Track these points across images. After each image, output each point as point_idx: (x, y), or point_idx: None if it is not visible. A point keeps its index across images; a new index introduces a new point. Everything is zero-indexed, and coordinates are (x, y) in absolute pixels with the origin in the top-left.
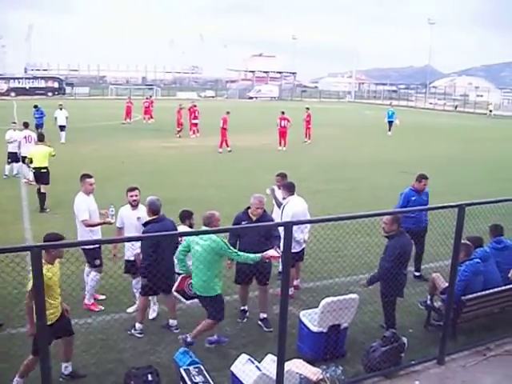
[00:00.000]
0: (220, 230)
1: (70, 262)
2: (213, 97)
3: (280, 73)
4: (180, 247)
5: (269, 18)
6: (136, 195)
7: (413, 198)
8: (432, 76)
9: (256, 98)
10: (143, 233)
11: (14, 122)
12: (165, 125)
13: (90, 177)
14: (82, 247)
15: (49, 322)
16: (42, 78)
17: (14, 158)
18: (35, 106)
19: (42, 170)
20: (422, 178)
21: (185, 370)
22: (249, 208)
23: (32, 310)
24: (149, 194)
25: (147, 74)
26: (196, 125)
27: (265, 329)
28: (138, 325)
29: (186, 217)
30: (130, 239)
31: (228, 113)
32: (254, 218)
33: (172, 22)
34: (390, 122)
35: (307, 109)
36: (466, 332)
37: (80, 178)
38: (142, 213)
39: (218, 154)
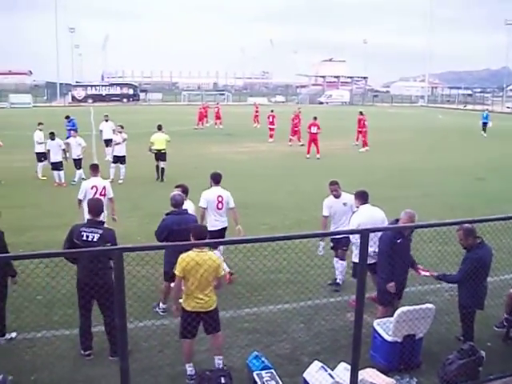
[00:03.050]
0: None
1: (149, 265)
2: (283, 102)
3: (351, 77)
4: None
5: (339, 23)
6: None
7: None
8: (510, 79)
9: (327, 103)
10: (162, 220)
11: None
12: (236, 130)
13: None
14: None
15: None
16: (118, 84)
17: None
18: (67, 117)
19: (162, 151)
20: None
21: (257, 374)
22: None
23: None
24: None
25: (218, 80)
26: (273, 130)
27: None
28: (161, 305)
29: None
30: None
31: (315, 118)
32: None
33: (243, 29)
34: (485, 124)
35: (361, 113)
36: None
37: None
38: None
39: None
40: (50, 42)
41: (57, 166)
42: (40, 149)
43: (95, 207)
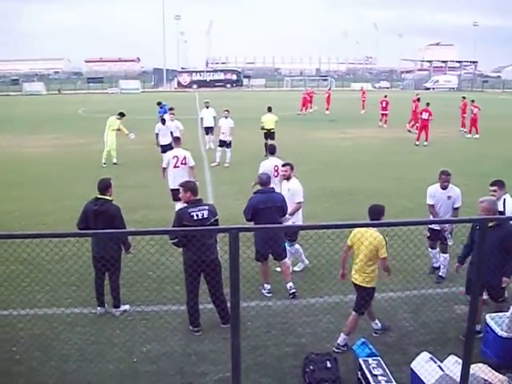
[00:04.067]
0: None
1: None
2: (387, 88)
3: (459, 62)
4: None
5: (447, 5)
6: (286, 170)
7: None
8: None
9: (433, 88)
10: (249, 200)
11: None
12: (339, 115)
13: None
14: None
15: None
16: (222, 70)
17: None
18: (158, 103)
19: (271, 131)
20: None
21: (364, 360)
22: None
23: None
24: (325, 184)
25: (321, 66)
26: (385, 115)
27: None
28: (266, 285)
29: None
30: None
31: (428, 104)
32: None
33: (345, 13)
34: None
35: (463, 98)
36: None
37: None
38: (292, 185)
39: (407, 145)
40: (156, 30)
41: (165, 149)
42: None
43: (195, 188)
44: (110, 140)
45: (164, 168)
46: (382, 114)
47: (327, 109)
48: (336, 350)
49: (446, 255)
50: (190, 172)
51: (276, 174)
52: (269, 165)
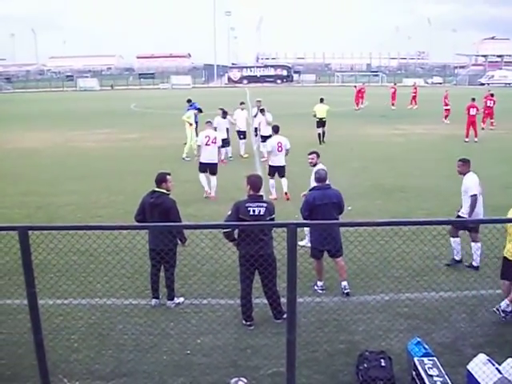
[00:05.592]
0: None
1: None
2: (440, 83)
3: None
4: None
5: None
6: (313, 158)
7: None
8: None
9: (488, 84)
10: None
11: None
12: (390, 111)
13: None
14: None
15: None
16: (272, 66)
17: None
18: (189, 101)
19: (323, 119)
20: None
21: (419, 360)
22: None
23: None
24: (376, 181)
25: (372, 61)
26: (448, 110)
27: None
28: (318, 282)
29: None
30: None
31: (473, 99)
32: None
33: (397, 7)
34: None
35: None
36: None
37: None
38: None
39: (464, 142)
40: (207, 26)
41: (222, 144)
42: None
43: (256, 183)
44: (188, 134)
45: (198, 146)
46: (446, 110)
47: (393, 104)
48: (502, 315)
49: (479, 243)
50: (218, 151)
51: (280, 149)
52: (274, 141)
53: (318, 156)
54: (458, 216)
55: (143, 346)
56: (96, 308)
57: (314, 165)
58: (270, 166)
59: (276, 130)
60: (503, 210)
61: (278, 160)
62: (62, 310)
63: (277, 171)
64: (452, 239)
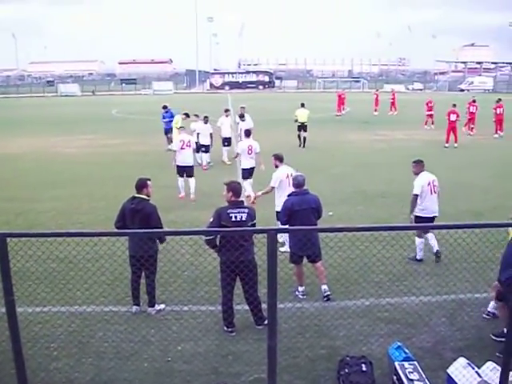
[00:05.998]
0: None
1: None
2: (421, 89)
3: (495, 63)
4: None
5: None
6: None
7: None
8: None
9: (468, 90)
10: (284, 203)
11: (196, 115)
12: (372, 117)
13: None
14: None
15: None
16: (254, 72)
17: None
18: (164, 107)
19: (304, 124)
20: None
21: (400, 364)
22: None
23: None
24: (358, 187)
25: (353, 67)
26: (430, 116)
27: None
28: (299, 288)
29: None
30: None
31: (454, 105)
32: None
33: (378, 14)
34: None
35: (497, 100)
36: None
37: None
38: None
39: (444, 148)
40: (189, 32)
41: (204, 149)
42: (225, 134)
43: (238, 189)
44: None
45: (174, 151)
46: (428, 115)
47: (375, 110)
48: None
49: (431, 234)
50: (194, 154)
51: (250, 152)
52: (244, 144)
53: (279, 159)
54: (416, 217)
55: (124, 353)
56: (76, 315)
57: (276, 166)
58: (242, 169)
59: (247, 133)
60: (482, 214)
61: (249, 163)
62: (40, 318)
63: (251, 173)
64: (418, 239)
